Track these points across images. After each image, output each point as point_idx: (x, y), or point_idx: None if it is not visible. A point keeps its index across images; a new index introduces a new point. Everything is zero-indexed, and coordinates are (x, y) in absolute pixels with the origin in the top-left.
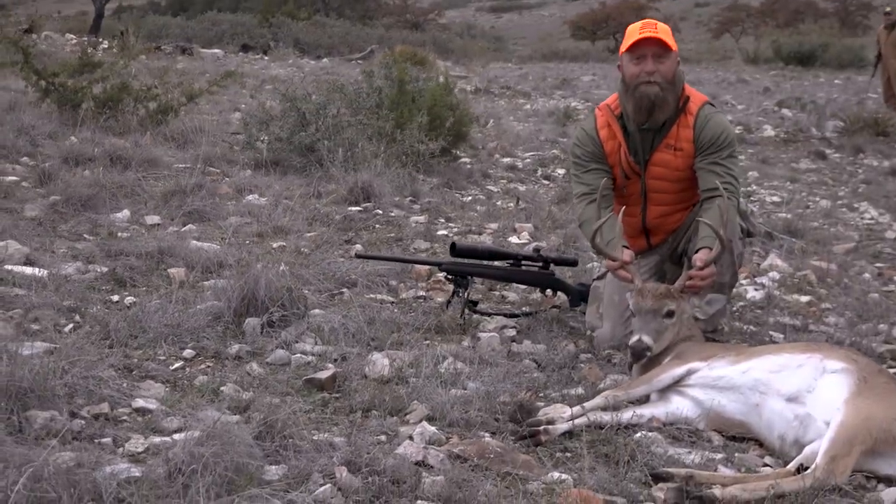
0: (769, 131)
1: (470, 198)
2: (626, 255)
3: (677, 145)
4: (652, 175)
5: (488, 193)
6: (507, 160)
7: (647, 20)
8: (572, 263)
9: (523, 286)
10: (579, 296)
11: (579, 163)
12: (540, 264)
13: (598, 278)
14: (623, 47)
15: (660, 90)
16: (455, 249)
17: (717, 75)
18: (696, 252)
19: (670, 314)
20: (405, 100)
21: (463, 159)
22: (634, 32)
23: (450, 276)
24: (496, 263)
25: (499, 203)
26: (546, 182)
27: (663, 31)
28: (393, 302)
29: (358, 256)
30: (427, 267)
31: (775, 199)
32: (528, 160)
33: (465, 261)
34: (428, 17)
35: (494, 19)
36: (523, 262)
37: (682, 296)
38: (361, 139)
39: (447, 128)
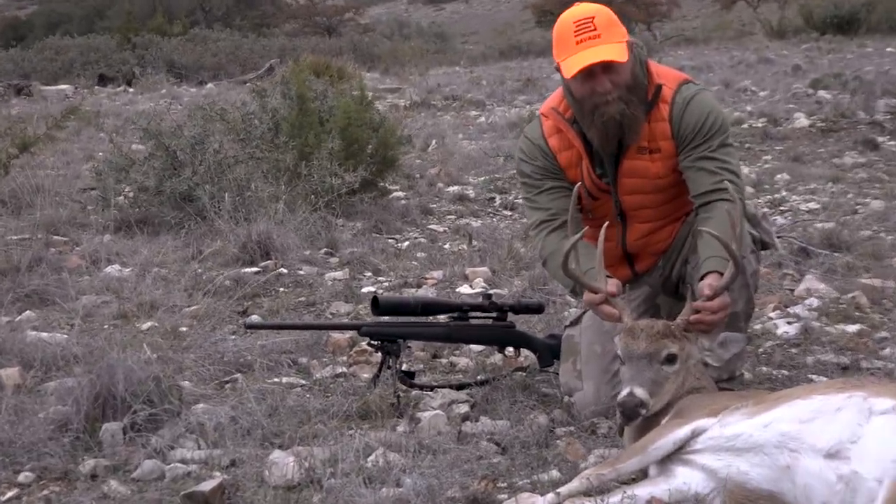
0: (802, 121)
1: (407, 242)
2: (612, 284)
3: (652, 146)
4: (625, 189)
5: (431, 235)
6: (454, 189)
7: (580, 16)
8: (536, 310)
9: (476, 346)
10: (550, 351)
11: (530, 182)
12: (494, 315)
13: (572, 325)
14: (558, 60)
15: (624, 106)
16: (378, 306)
17: (733, 56)
18: (703, 277)
19: (671, 359)
20: (309, 122)
21: (395, 193)
22: (568, 43)
23: (374, 343)
24: (435, 319)
25: (446, 246)
26: (507, 213)
27: (605, 30)
28: (304, 385)
29: (249, 327)
30: (347, 334)
31: (812, 205)
32: (483, 187)
33: (393, 320)
34: (344, 18)
35: (434, 13)
36: (472, 315)
37: (686, 335)
38: (255, 178)
39: (368, 154)
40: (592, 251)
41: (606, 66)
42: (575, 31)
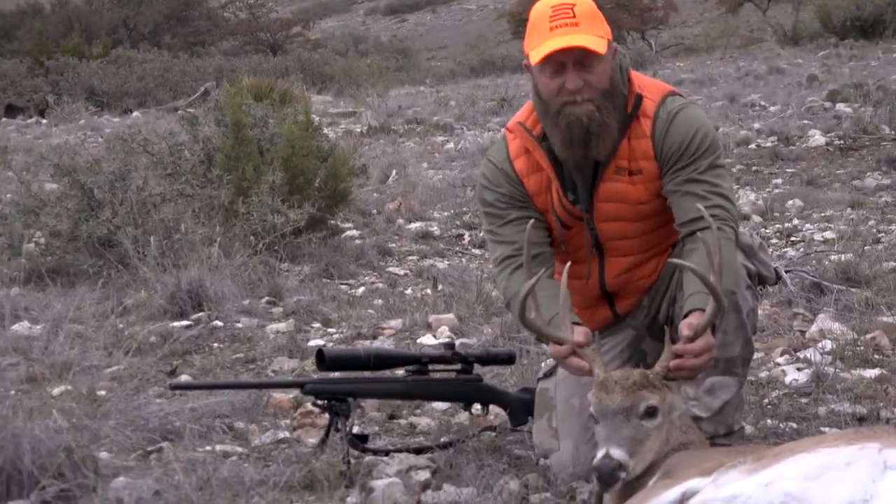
0: (818, 138)
1: (362, 288)
2: (579, 333)
3: (633, 166)
4: (602, 216)
5: (390, 279)
6: (416, 226)
7: (559, 2)
8: (506, 360)
9: (439, 403)
10: (523, 408)
11: (493, 212)
12: (458, 367)
13: (546, 377)
14: (528, 49)
15: (595, 109)
16: (324, 361)
17: (739, 67)
18: (685, 317)
19: (651, 413)
20: (247, 152)
21: (348, 232)
22: (542, 29)
23: (321, 402)
24: (391, 374)
25: (407, 291)
26: (476, 252)
27: (586, 21)
28: (240, 453)
29: (176, 388)
30: (290, 394)
31: (827, 234)
32: (449, 223)
33: (343, 376)
34: (291, 34)
35: (395, 25)
36: (432, 367)
37: (667, 384)
38: (185, 219)
39: (316, 188)
40: (554, 293)
41: (580, 62)
42: (551, 17)
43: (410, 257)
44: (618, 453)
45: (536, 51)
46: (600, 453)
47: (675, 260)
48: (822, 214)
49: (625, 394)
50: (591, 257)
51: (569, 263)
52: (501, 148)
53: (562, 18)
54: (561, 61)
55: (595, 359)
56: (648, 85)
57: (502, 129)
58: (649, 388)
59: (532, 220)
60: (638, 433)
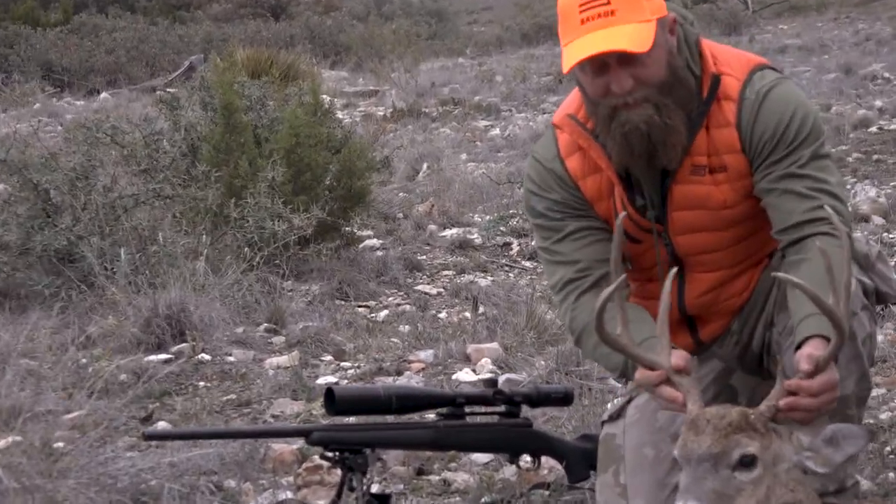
0: None
1: (385, 311)
2: (678, 357)
3: (714, 163)
4: (679, 226)
5: (420, 299)
6: (452, 233)
7: None
8: (563, 400)
9: (479, 455)
10: (583, 459)
11: (546, 225)
12: (502, 409)
13: (612, 420)
14: (560, 40)
15: (654, 112)
16: (335, 402)
17: (858, 30)
18: (799, 346)
19: (747, 463)
20: (241, 143)
21: (367, 241)
22: (571, 19)
23: (331, 455)
24: (418, 418)
25: (441, 315)
26: (527, 264)
27: (624, 6)
28: None
29: (151, 438)
30: (294, 444)
31: None
32: (492, 229)
33: (358, 421)
34: None
35: None
36: (469, 409)
37: (775, 429)
38: (163, 226)
39: (327, 186)
40: (642, 314)
41: (624, 57)
42: (581, 5)
43: (445, 272)
44: None
45: (566, 53)
46: None
47: (780, 274)
48: None
49: (717, 436)
50: (665, 276)
51: (674, 269)
52: (550, 143)
53: (594, 7)
54: (601, 60)
55: (691, 390)
56: (729, 58)
57: (549, 123)
58: (748, 433)
59: (623, 215)
60: (727, 487)
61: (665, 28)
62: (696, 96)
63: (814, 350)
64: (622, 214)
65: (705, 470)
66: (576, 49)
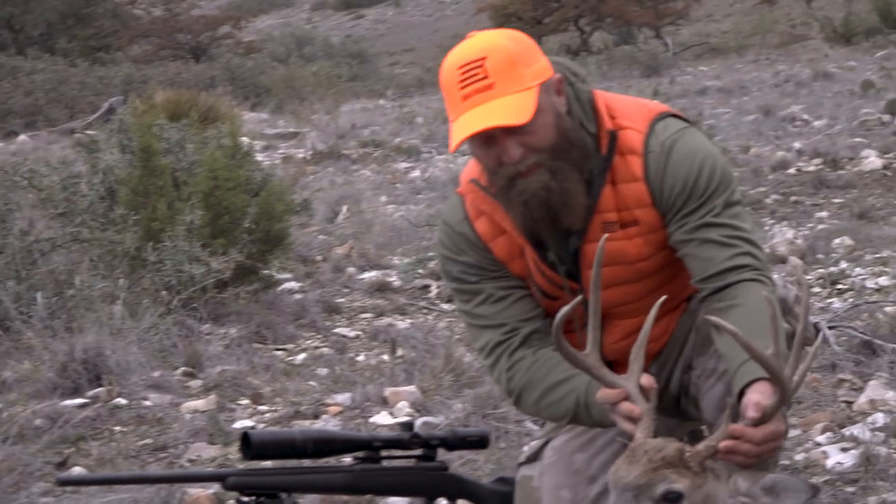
0: (873, 160)
1: (303, 355)
2: (646, 378)
3: (625, 218)
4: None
5: (338, 342)
6: (371, 276)
7: (466, 59)
8: (479, 443)
9: (394, 498)
10: (499, 502)
11: (465, 289)
12: (418, 453)
13: (528, 462)
14: (451, 122)
15: (549, 178)
16: (251, 446)
17: (777, 72)
18: (746, 388)
19: (673, 499)
20: (159, 186)
21: (286, 284)
22: (453, 97)
23: (247, 499)
24: (334, 462)
25: (360, 358)
26: (446, 307)
27: (502, 76)
28: None
29: (65, 484)
30: (210, 489)
31: (882, 280)
32: (411, 272)
33: (274, 465)
34: (218, 35)
35: (349, 23)
36: (385, 453)
37: (713, 468)
38: (80, 270)
39: (245, 229)
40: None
41: (509, 128)
42: (460, 81)
43: (363, 315)
44: None
45: (453, 128)
46: None
47: (719, 321)
48: (877, 256)
49: (647, 468)
50: (583, 329)
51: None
52: (457, 206)
53: (472, 81)
54: (487, 133)
55: (644, 418)
56: (628, 110)
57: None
58: (679, 469)
59: (580, 298)
60: None
61: (550, 91)
62: (594, 154)
63: (762, 398)
64: (577, 298)
65: (627, 500)
66: (460, 127)
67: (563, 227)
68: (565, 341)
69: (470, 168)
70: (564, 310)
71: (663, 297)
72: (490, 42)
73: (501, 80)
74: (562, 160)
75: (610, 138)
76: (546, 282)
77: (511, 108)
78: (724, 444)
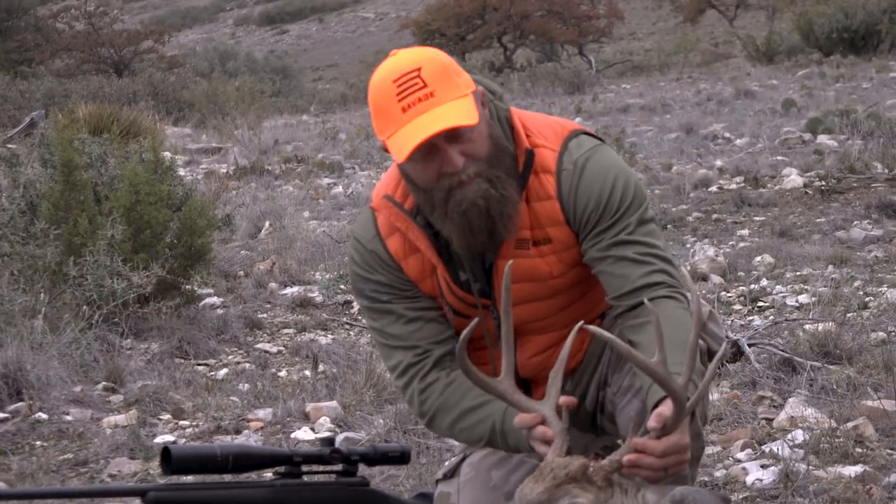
0: (794, 178)
1: (225, 370)
2: (565, 399)
3: (537, 236)
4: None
5: (260, 357)
6: (293, 291)
7: (400, 71)
8: (399, 459)
9: None
10: None
11: (376, 308)
12: (339, 468)
13: (446, 479)
14: (381, 136)
15: (489, 186)
16: (171, 461)
17: (700, 91)
18: (655, 406)
19: None
20: (80, 201)
21: (208, 300)
22: (391, 112)
23: None
24: (255, 477)
25: (282, 373)
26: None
27: (440, 84)
28: None
29: None
30: None
31: (802, 298)
32: (333, 287)
33: (194, 480)
34: (141, 50)
35: (273, 38)
36: (306, 468)
37: (615, 482)
38: (1, 284)
39: (167, 244)
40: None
41: (452, 135)
42: (398, 94)
43: (285, 330)
44: None
45: (396, 142)
46: None
47: (603, 333)
48: (797, 273)
49: (550, 485)
50: (495, 342)
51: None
52: (368, 224)
53: (411, 92)
54: (430, 143)
55: (556, 439)
56: (542, 128)
57: (366, 206)
58: (582, 485)
59: (474, 323)
60: None
61: (479, 101)
62: (514, 168)
63: (665, 410)
64: (474, 321)
65: None
66: (405, 137)
67: (499, 239)
68: (474, 368)
69: (385, 183)
70: (464, 333)
71: (580, 324)
72: (419, 54)
73: (440, 88)
74: (498, 168)
75: (527, 156)
76: (457, 300)
77: (458, 111)
78: (627, 458)
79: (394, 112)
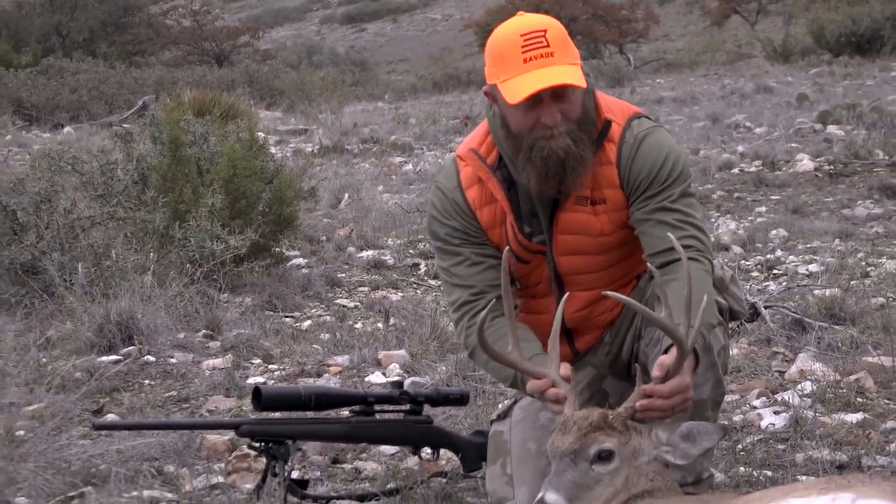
0: (806, 163)
1: (308, 321)
2: (564, 368)
3: (596, 195)
4: (562, 249)
5: (339, 311)
6: (368, 254)
7: (529, 28)
8: (459, 401)
9: (386, 447)
10: (476, 452)
11: (445, 248)
12: (406, 408)
13: (499, 419)
14: (495, 80)
15: (572, 143)
16: (261, 399)
17: (724, 85)
18: (665, 352)
19: (605, 457)
20: (185, 173)
21: (294, 261)
22: (513, 61)
23: (257, 445)
24: (334, 415)
25: (357, 325)
26: (433, 282)
27: (560, 48)
28: (171, 499)
29: (99, 428)
30: (225, 435)
31: (812, 267)
32: (403, 252)
33: (281, 416)
34: (238, 44)
35: (353, 35)
36: (379, 408)
37: (635, 426)
38: (116, 244)
39: (260, 212)
40: (528, 334)
41: (557, 94)
42: (523, 46)
43: (361, 288)
44: (552, 498)
45: (511, 86)
46: (538, 497)
47: (612, 293)
48: (808, 246)
49: (578, 435)
50: (550, 292)
51: (566, 295)
52: (452, 174)
53: (535, 47)
54: (538, 95)
55: (569, 396)
56: (612, 106)
57: (452, 154)
58: (606, 431)
59: (508, 249)
60: (585, 478)
61: (585, 72)
62: (594, 135)
63: (667, 359)
64: (507, 249)
65: (566, 464)
66: (522, 83)
67: (565, 190)
68: (489, 344)
69: (471, 139)
70: (483, 313)
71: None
72: (546, 20)
73: (559, 51)
74: (583, 132)
75: (604, 126)
76: (520, 247)
77: (571, 74)
78: (639, 403)
79: (515, 61)
